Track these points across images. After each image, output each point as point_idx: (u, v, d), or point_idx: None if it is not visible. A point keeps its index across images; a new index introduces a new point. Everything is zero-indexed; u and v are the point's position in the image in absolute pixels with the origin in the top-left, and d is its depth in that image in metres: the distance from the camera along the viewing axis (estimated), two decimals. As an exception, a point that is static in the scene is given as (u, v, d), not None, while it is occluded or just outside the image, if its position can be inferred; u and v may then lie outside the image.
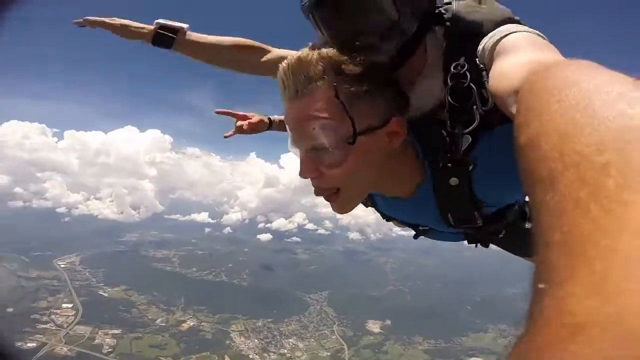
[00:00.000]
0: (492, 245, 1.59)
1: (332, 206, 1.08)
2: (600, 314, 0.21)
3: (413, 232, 1.54)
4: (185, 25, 1.53)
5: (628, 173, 0.27)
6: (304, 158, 1.02)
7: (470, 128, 0.98)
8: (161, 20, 1.55)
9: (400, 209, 1.34)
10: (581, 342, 0.21)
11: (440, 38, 1.11)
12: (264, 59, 1.53)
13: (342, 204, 1.07)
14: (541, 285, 0.27)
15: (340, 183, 1.02)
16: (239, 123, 1.92)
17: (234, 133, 1.94)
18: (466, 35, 1.05)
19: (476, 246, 1.58)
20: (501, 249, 1.73)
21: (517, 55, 0.85)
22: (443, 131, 1.03)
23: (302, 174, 1.03)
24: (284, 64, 1.00)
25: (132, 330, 46.27)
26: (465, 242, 1.55)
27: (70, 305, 48.24)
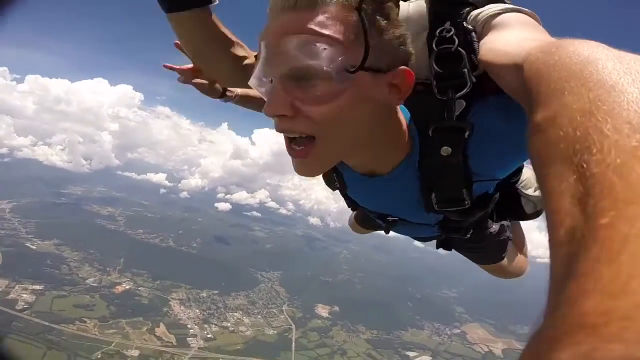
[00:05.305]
0: (436, 251, 1.56)
1: (296, 163, 0.85)
2: (623, 317, 0.20)
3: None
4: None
5: None
6: (276, 86, 0.78)
7: (463, 92, 0.89)
8: None
9: (372, 192, 1.14)
10: (599, 344, 0.19)
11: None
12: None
13: (312, 160, 0.82)
14: (558, 279, 0.25)
15: (319, 129, 0.79)
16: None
17: (178, 68, 1.58)
18: (451, 1, 0.97)
19: (437, 248, 1.56)
20: (448, 253, 1.68)
21: (516, 30, 0.80)
22: (432, 97, 0.93)
23: (270, 108, 0.78)
24: None
25: (56, 288, 42.05)
26: (435, 241, 1.51)
27: (-13, 255, 42.80)
